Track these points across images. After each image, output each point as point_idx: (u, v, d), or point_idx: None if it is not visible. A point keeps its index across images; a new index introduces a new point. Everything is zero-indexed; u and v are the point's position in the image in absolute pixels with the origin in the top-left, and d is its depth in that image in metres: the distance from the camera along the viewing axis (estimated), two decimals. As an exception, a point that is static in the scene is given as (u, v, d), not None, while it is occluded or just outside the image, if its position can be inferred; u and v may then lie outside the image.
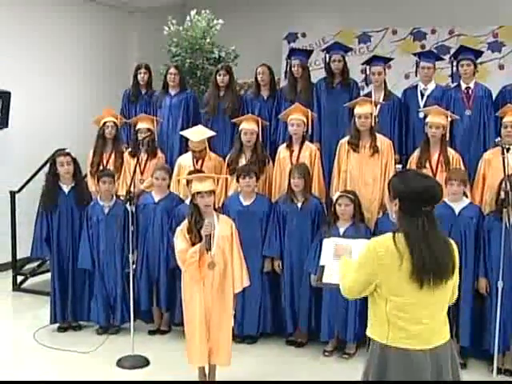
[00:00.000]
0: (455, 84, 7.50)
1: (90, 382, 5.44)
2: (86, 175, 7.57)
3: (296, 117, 6.79)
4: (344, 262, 3.64)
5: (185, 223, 5.28)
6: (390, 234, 3.26)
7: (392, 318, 3.21)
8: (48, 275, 7.45)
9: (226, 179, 6.88)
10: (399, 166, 6.68)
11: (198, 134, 7.12)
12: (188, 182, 6.35)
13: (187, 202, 6.29)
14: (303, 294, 6.41)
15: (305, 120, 6.79)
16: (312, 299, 6.39)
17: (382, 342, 3.25)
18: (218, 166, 7.21)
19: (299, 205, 6.42)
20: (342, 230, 6.06)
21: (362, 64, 7.79)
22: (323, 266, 4.54)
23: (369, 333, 3.37)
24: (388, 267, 3.18)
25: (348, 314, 6.17)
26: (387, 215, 6.15)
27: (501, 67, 10.40)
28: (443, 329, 3.31)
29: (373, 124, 6.55)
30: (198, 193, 5.20)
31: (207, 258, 5.13)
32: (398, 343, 3.20)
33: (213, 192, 5.27)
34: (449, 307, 3.37)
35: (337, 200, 6.20)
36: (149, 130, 7.41)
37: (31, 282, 8.57)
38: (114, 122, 7.64)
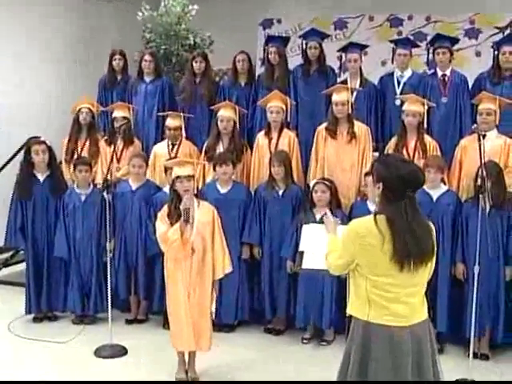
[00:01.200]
0: (432, 71, 7.62)
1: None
2: (60, 162, 7.56)
3: (275, 104, 6.86)
4: (332, 239, 3.77)
5: (165, 208, 5.36)
6: (370, 216, 3.38)
7: (372, 297, 3.34)
8: (21, 266, 7.46)
9: (204, 166, 6.93)
10: (376, 154, 6.82)
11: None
12: (166, 170, 6.44)
13: (165, 189, 6.38)
14: (282, 281, 6.51)
15: (284, 107, 6.87)
16: (290, 286, 6.49)
17: (363, 319, 3.38)
18: (192, 153, 7.29)
19: (280, 192, 6.51)
20: (318, 217, 6.12)
21: (338, 51, 7.83)
22: (302, 252, 4.64)
23: (350, 311, 3.50)
24: (369, 247, 3.31)
25: (324, 301, 6.25)
26: (361, 201, 6.31)
27: (477, 54, 10.49)
28: (421, 308, 3.45)
29: (350, 111, 6.63)
30: (178, 177, 5.27)
31: (187, 234, 5.18)
32: (380, 320, 3.33)
33: (192, 177, 5.33)
34: (426, 292, 3.49)
35: (313, 187, 6.29)
36: (125, 118, 7.42)
37: (3, 272, 8.54)
38: (89, 109, 7.63)
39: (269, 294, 6.58)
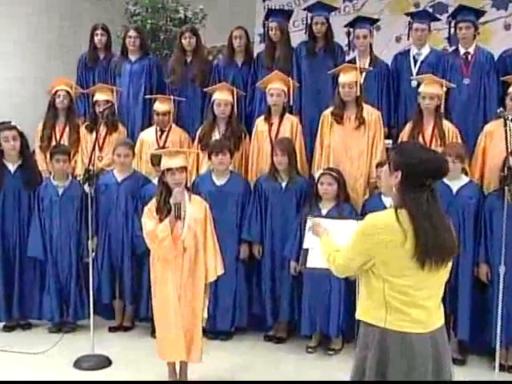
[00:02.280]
0: (453, 48, 7.60)
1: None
2: (34, 151, 7.58)
3: (276, 86, 6.89)
4: (325, 241, 3.82)
5: (152, 202, 5.38)
6: (390, 210, 3.41)
7: (390, 300, 3.37)
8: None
9: (198, 156, 6.95)
10: (389, 142, 6.84)
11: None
12: (152, 160, 6.49)
13: (154, 181, 6.40)
14: (285, 282, 6.55)
15: (285, 89, 6.90)
16: (294, 288, 6.53)
17: (380, 325, 3.40)
18: (183, 141, 7.35)
19: (283, 184, 6.55)
20: (324, 212, 6.17)
21: (346, 26, 7.82)
22: (307, 250, 4.69)
23: (361, 316, 3.52)
24: (388, 245, 3.33)
25: (331, 305, 6.28)
26: (376, 195, 6.33)
27: (507, 27, 10.34)
28: (438, 312, 3.49)
29: (358, 93, 6.65)
30: (169, 169, 5.28)
31: (179, 230, 5.19)
32: (398, 327, 3.36)
33: (185, 169, 5.34)
34: (445, 297, 3.55)
35: (319, 178, 6.31)
36: (108, 101, 7.40)
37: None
38: (67, 92, 7.65)
39: (270, 297, 6.62)
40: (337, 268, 3.62)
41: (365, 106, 6.75)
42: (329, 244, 3.78)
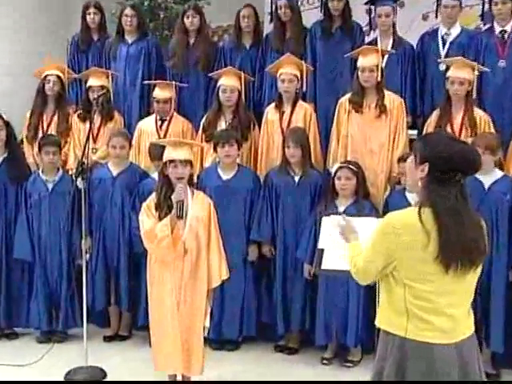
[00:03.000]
0: (487, 26, 7.54)
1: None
2: (21, 141, 7.57)
3: (288, 70, 6.84)
4: (352, 245, 3.78)
5: (152, 198, 5.37)
6: (413, 209, 3.37)
7: (412, 308, 3.34)
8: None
9: (202, 148, 6.93)
10: (413, 132, 6.80)
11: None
12: (150, 153, 6.51)
13: (153, 175, 6.39)
14: (297, 287, 6.53)
15: (298, 74, 6.86)
16: (308, 293, 6.52)
17: (400, 334, 3.37)
18: (186, 131, 7.33)
19: (296, 179, 6.53)
20: (341, 209, 6.11)
21: (366, 3, 7.79)
22: (322, 250, 4.66)
23: (380, 323, 3.49)
24: (409, 246, 3.30)
25: (349, 312, 6.26)
26: (399, 191, 6.29)
27: None
28: (467, 321, 3.45)
29: (379, 78, 6.61)
30: (171, 162, 5.26)
31: (180, 230, 5.19)
32: (419, 336, 3.33)
33: (189, 162, 5.33)
34: (476, 304, 3.51)
35: (336, 172, 6.29)
36: (103, 87, 7.36)
37: None
38: (58, 76, 7.61)
39: (281, 303, 6.59)
40: (357, 272, 3.59)
41: (386, 92, 6.70)
42: (355, 247, 3.73)
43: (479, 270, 3.41)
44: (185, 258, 5.29)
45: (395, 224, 3.36)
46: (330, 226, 5.12)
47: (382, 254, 3.39)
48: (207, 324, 5.49)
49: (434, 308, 3.32)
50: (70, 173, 6.85)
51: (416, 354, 3.33)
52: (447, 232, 3.25)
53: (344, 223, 3.99)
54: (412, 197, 5.78)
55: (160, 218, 5.21)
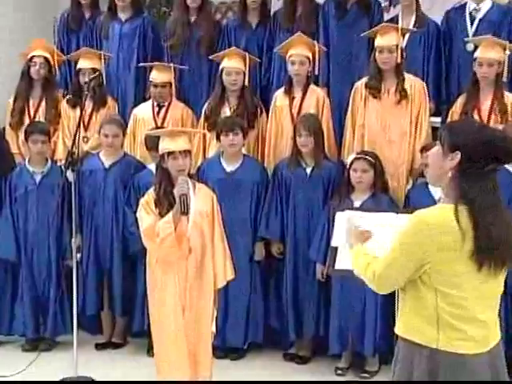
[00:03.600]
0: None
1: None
2: (4, 129, 7.57)
3: (298, 52, 6.81)
4: (357, 250, 3.71)
5: (150, 193, 5.35)
6: (448, 206, 3.28)
7: (444, 316, 3.28)
8: None
9: (204, 136, 6.93)
10: (437, 120, 6.76)
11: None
12: (147, 142, 6.50)
13: (150, 167, 6.39)
14: (309, 290, 6.51)
15: (310, 56, 6.83)
16: (321, 298, 6.49)
17: (430, 346, 3.30)
18: (186, 118, 7.31)
19: (308, 170, 6.50)
20: (357, 204, 6.12)
21: (385, -24, 7.83)
22: (336, 248, 4.59)
23: (406, 334, 3.40)
24: (445, 247, 3.22)
25: (366, 318, 6.25)
26: (421, 185, 6.24)
27: None
28: (496, 326, 3.42)
29: (399, 60, 6.56)
30: (170, 153, 5.23)
31: (183, 227, 5.16)
32: (452, 347, 3.27)
33: (189, 152, 5.32)
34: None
35: (351, 164, 6.27)
36: (94, 70, 7.30)
37: None
38: (46, 58, 7.57)
39: (292, 307, 6.56)
40: (378, 278, 3.45)
41: (407, 75, 6.68)
42: (360, 253, 3.66)
43: (505, 273, 3.37)
44: (189, 257, 5.28)
45: (429, 222, 3.27)
46: (344, 221, 5.09)
47: (414, 257, 3.30)
48: (213, 329, 5.50)
49: (467, 315, 3.27)
50: (59, 164, 6.86)
51: (448, 366, 3.27)
52: (486, 230, 3.19)
53: (349, 225, 3.95)
54: (436, 191, 5.72)
55: (161, 215, 5.20)
